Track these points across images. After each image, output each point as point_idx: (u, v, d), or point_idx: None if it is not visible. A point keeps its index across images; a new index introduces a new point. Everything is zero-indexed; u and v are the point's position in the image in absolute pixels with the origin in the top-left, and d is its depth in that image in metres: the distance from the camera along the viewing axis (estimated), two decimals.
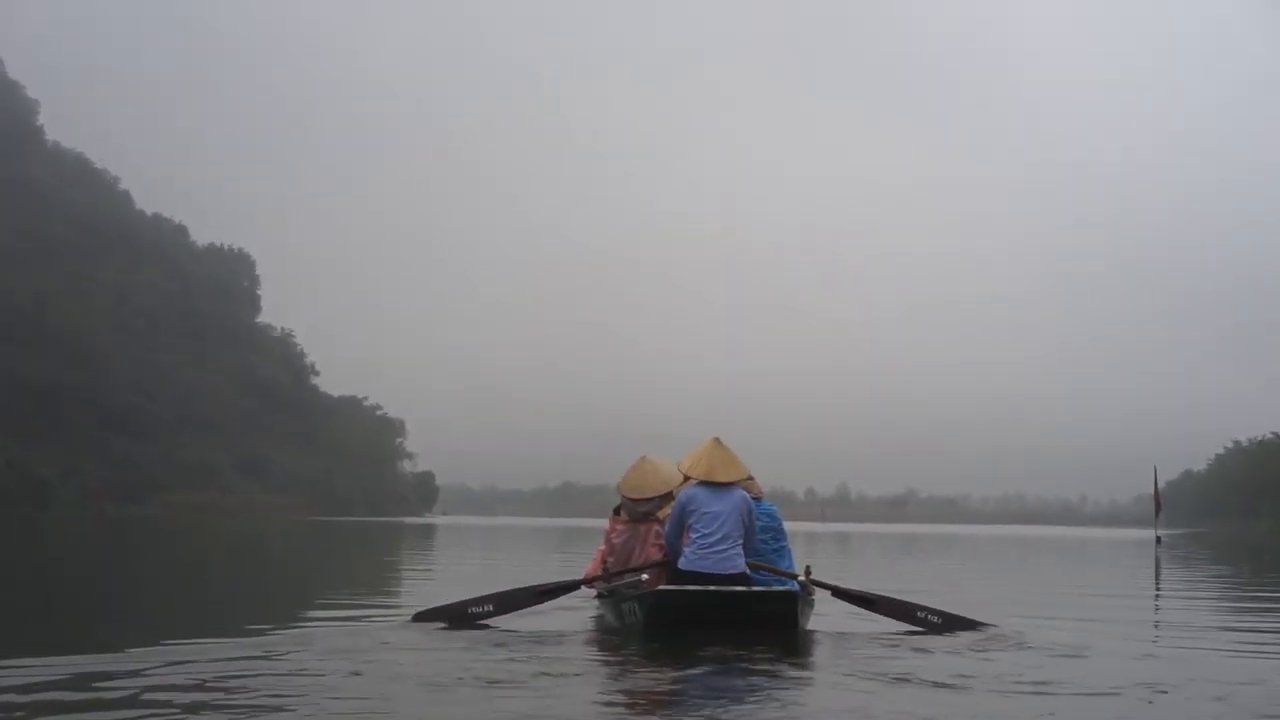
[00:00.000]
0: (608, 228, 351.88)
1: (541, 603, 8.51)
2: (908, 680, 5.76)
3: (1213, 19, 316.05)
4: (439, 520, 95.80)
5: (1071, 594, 14.38)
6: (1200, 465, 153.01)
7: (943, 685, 5.62)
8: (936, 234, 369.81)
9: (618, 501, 8.94)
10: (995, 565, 23.39)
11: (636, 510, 8.67)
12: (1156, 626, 9.92)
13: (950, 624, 8.15)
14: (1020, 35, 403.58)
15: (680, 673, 5.94)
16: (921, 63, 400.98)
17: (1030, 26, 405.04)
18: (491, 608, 8.16)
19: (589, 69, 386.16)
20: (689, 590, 7.43)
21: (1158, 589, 15.92)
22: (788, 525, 8.99)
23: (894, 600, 8.49)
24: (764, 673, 5.91)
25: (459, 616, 8.08)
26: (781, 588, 7.71)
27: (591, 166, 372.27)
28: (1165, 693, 5.67)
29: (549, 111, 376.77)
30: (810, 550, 28.27)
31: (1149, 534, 72.99)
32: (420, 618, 8.07)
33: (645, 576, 7.98)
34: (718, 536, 7.70)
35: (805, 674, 6.12)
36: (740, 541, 7.81)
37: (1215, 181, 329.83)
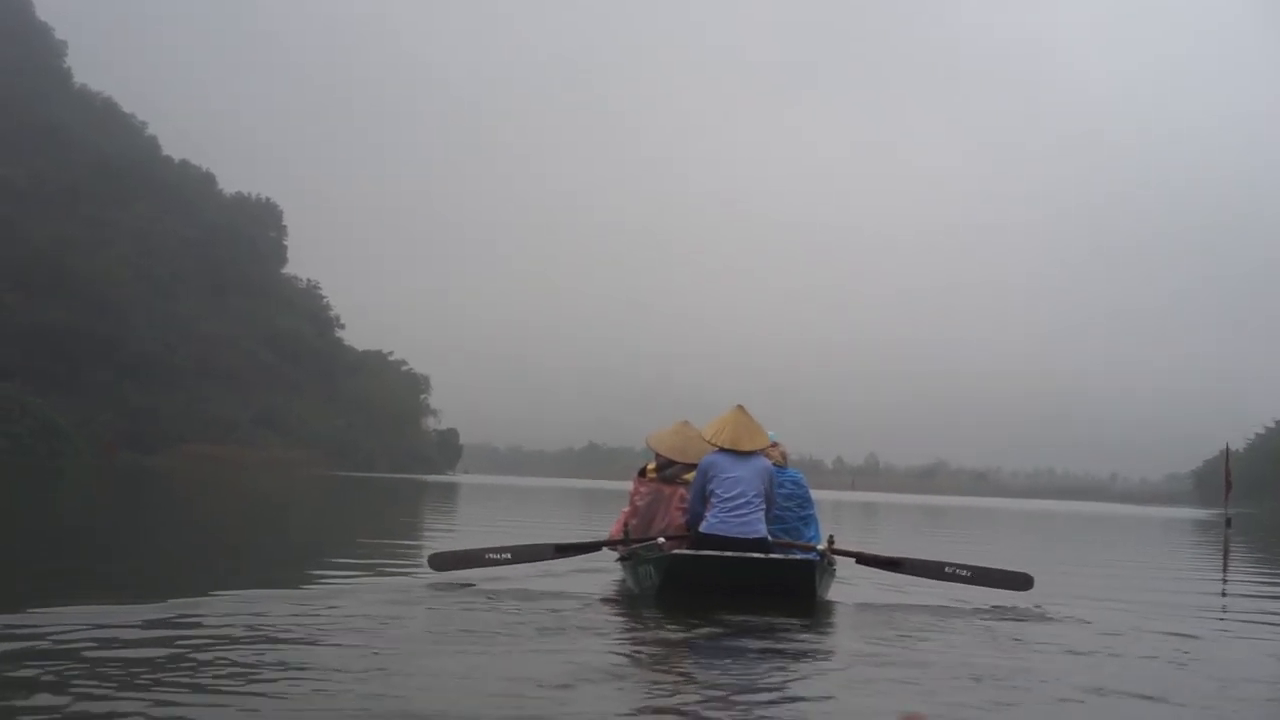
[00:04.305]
0: (645, 204, 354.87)
1: (558, 558, 8.51)
2: (922, 651, 5.68)
3: None
4: (461, 479, 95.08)
5: (1137, 580, 12.65)
6: (1238, 444, 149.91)
7: (957, 659, 5.48)
8: (973, 210, 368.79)
9: (642, 464, 8.85)
10: (1052, 546, 21.17)
11: (668, 473, 8.54)
12: (1224, 610, 9.15)
13: (980, 577, 8.11)
14: (1055, 22, 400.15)
15: (688, 639, 5.92)
16: (956, 47, 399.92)
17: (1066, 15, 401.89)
18: (509, 556, 8.18)
19: (627, 53, 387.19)
20: (705, 555, 7.36)
21: (1225, 577, 14.01)
22: (816, 494, 8.84)
23: (919, 560, 8.43)
24: (775, 642, 5.82)
25: (475, 561, 8.15)
26: (800, 556, 7.58)
27: (629, 146, 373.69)
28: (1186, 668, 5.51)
29: (586, 92, 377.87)
30: (837, 519, 27.98)
31: (1188, 513, 71.77)
32: (436, 559, 8.15)
33: (662, 540, 7.94)
34: (739, 501, 7.61)
35: (817, 644, 5.96)
36: (761, 507, 7.70)
37: (1255, 158, 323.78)
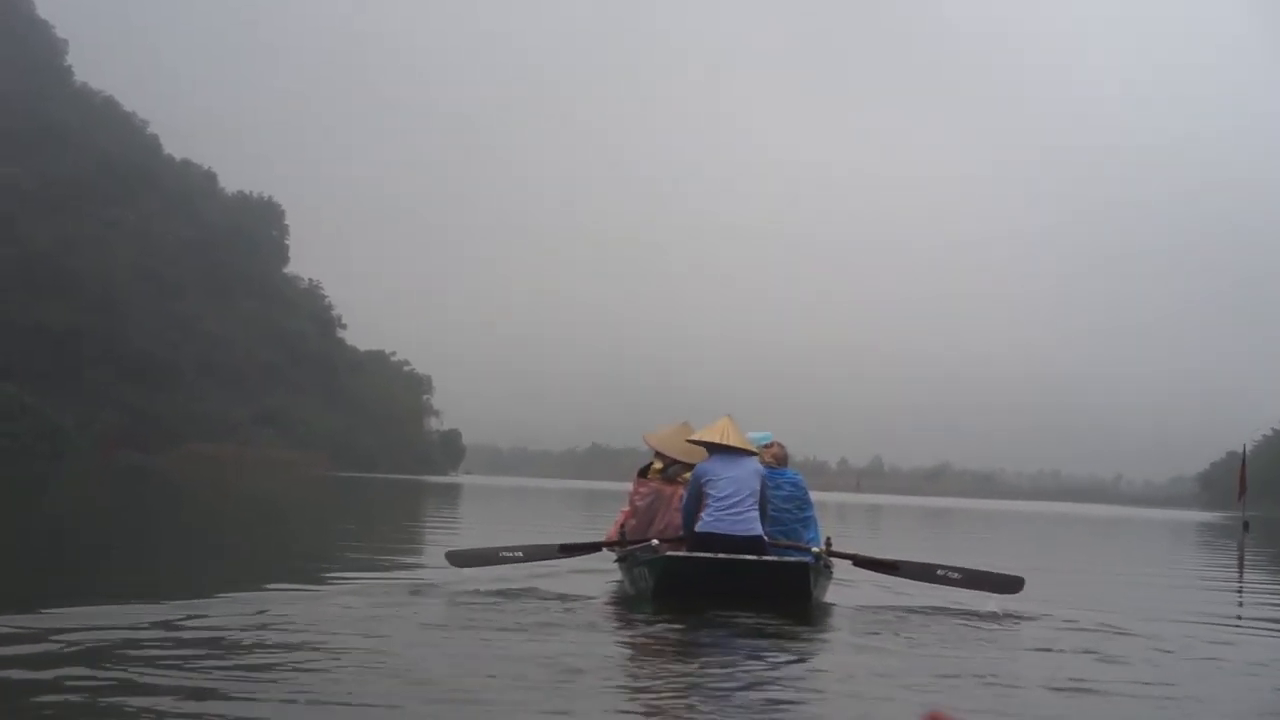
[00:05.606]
0: (652, 213, 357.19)
1: (563, 557, 8.77)
2: (916, 654, 5.65)
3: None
4: (464, 479, 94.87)
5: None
6: (1246, 447, 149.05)
7: (951, 661, 5.46)
8: (980, 218, 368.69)
9: (644, 464, 8.89)
10: (1078, 552, 20.59)
11: (670, 471, 8.61)
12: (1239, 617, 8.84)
13: (972, 580, 8.22)
14: (1051, 32, 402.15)
15: (682, 641, 5.94)
16: (963, 57, 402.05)
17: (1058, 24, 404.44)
18: (520, 555, 8.51)
19: (633, 63, 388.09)
20: (699, 558, 7.41)
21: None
22: (820, 495, 8.84)
23: (914, 563, 8.58)
24: (769, 646, 5.75)
25: (490, 559, 8.46)
26: (795, 559, 7.56)
27: (641, 155, 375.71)
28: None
29: (590, 100, 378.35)
30: (843, 521, 27.64)
31: (1197, 516, 70.83)
32: (455, 556, 8.42)
33: (656, 542, 7.92)
34: (733, 500, 7.68)
35: (812, 648, 5.95)
36: (755, 506, 7.76)
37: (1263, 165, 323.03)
